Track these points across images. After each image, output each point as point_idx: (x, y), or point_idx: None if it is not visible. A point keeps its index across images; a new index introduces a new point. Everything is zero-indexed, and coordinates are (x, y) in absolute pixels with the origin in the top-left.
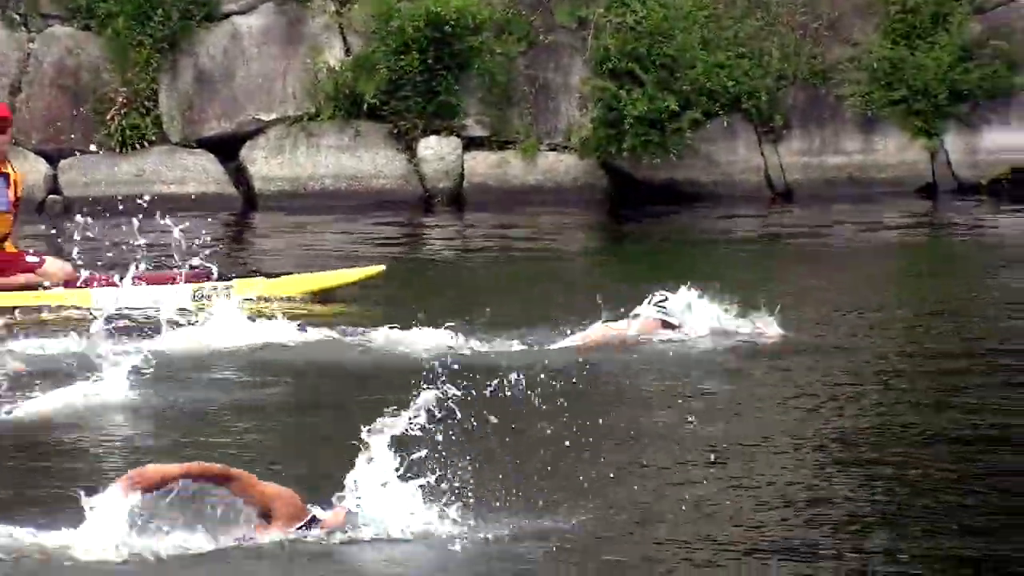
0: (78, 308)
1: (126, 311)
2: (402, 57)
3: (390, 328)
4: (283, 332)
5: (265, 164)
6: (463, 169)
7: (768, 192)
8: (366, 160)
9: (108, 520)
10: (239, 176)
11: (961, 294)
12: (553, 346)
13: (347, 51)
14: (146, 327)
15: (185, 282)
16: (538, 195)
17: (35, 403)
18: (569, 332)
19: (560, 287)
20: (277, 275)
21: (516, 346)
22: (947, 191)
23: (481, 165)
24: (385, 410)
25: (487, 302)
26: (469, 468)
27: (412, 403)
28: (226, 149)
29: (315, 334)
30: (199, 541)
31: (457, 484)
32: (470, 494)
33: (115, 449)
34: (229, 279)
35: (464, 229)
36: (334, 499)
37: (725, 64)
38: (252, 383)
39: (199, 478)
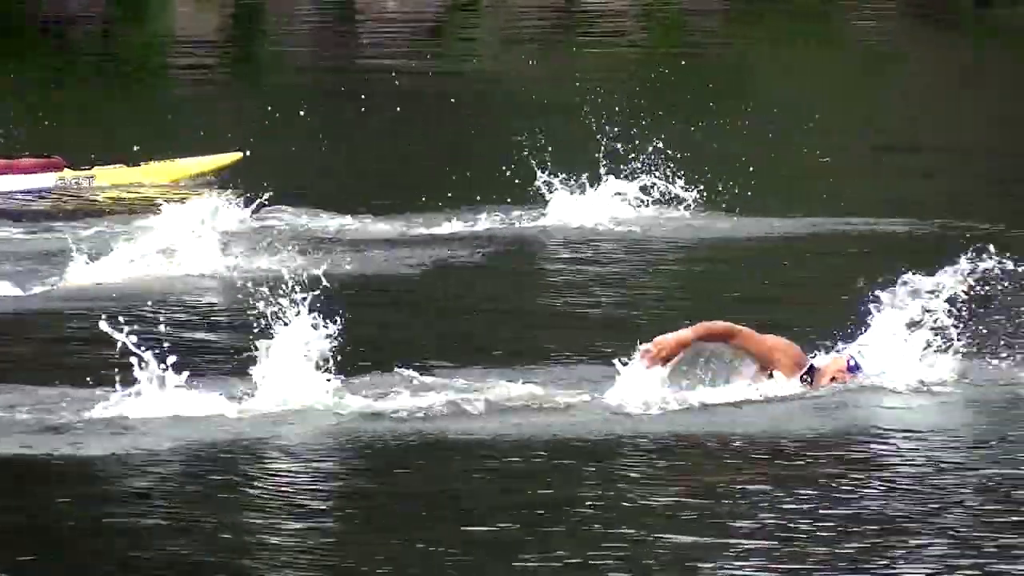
0: None
1: None
2: None
3: None
4: None
5: None
6: None
7: None
8: None
9: (642, 387)
10: None
11: None
12: None
13: None
14: None
15: (42, 170)
16: None
17: None
18: None
19: None
20: (137, 164)
21: None
22: None
23: None
24: None
25: None
26: None
27: None
28: None
29: None
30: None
31: None
32: None
33: None
34: (89, 168)
35: None
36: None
37: None
38: None
39: (708, 338)
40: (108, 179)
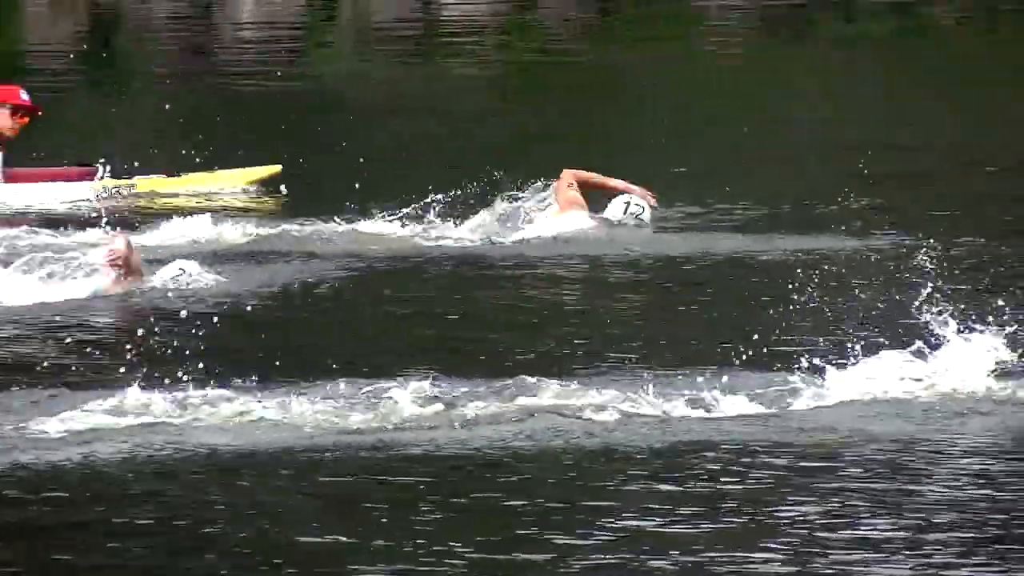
0: None
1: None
2: None
3: None
4: None
5: None
6: None
7: None
8: None
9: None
10: None
11: None
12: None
13: None
14: None
15: (78, 179)
16: None
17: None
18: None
19: None
20: (177, 173)
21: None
22: None
23: None
24: None
25: None
26: None
27: None
28: None
29: None
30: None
31: None
32: None
33: None
34: (129, 177)
35: None
36: None
37: None
38: None
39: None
40: (148, 188)
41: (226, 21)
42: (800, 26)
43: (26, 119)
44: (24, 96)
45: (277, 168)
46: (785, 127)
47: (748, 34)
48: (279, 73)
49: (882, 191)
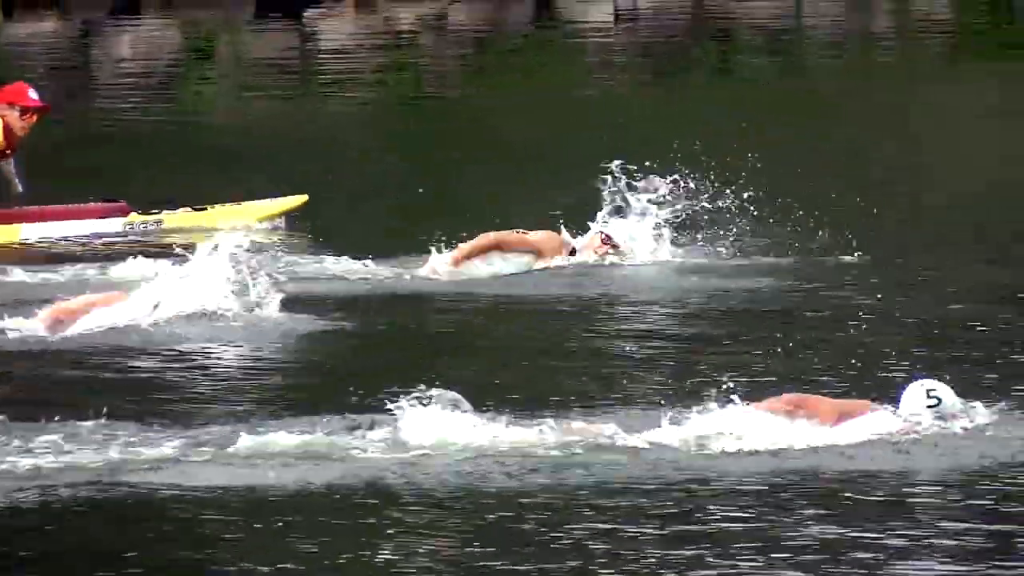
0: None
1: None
2: None
3: None
4: None
5: None
6: None
7: None
8: None
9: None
10: None
11: None
12: None
13: None
14: None
15: (104, 215)
16: None
17: None
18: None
19: None
20: (203, 208)
21: None
22: None
23: None
24: None
25: None
26: None
27: None
28: None
29: None
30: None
31: None
32: None
33: None
34: (157, 212)
35: None
36: None
37: None
38: None
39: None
40: (175, 223)
41: (103, 57)
42: (681, 59)
43: (35, 117)
44: (32, 95)
45: (304, 198)
46: (673, 161)
47: (629, 68)
48: (154, 109)
49: (785, 220)
